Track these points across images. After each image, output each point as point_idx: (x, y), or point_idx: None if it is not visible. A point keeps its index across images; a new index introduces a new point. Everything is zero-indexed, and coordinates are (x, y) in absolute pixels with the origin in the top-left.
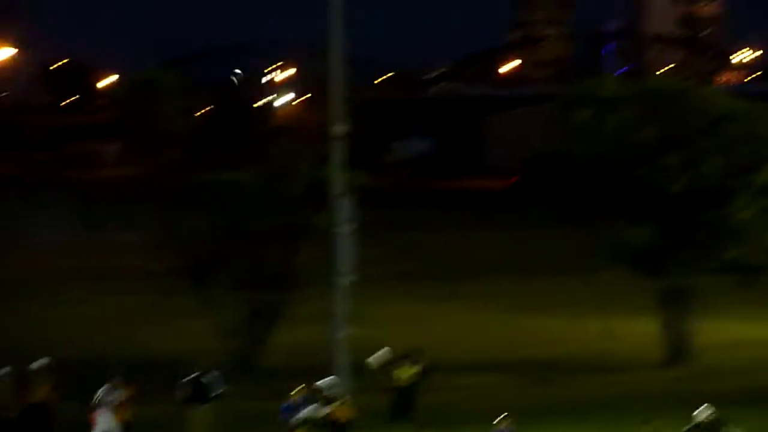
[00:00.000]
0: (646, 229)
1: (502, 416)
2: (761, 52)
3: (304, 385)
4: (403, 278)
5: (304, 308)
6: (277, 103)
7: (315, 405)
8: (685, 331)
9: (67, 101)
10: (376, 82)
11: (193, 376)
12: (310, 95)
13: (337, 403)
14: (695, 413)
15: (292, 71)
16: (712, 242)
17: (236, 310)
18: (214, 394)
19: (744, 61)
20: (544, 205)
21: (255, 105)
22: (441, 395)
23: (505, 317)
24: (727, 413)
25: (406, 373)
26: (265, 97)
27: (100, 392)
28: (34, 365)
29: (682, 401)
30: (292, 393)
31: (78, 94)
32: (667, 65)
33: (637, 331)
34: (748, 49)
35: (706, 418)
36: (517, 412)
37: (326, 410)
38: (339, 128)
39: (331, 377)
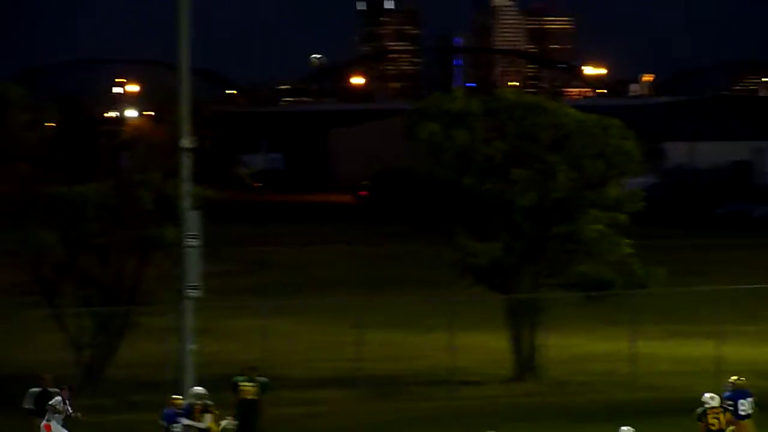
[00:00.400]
0: (495, 244)
1: None
2: (609, 67)
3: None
4: (253, 292)
5: (153, 322)
6: (126, 116)
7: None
8: (534, 346)
9: None
10: (225, 96)
11: (39, 389)
12: (158, 109)
13: (210, 415)
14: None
15: (140, 85)
16: (560, 257)
17: (85, 323)
18: (60, 408)
19: (593, 75)
20: (395, 219)
21: (104, 118)
22: (289, 410)
23: (354, 332)
24: (576, 427)
25: (247, 388)
26: (113, 111)
27: (53, 402)
28: None
29: (530, 415)
30: (175, 398)
31: None
32: (517, 79)
33: (486, 346)
34: (597, 63)
35: None
36: (363, 427)
37: (206, 421)
38: (186, 142)
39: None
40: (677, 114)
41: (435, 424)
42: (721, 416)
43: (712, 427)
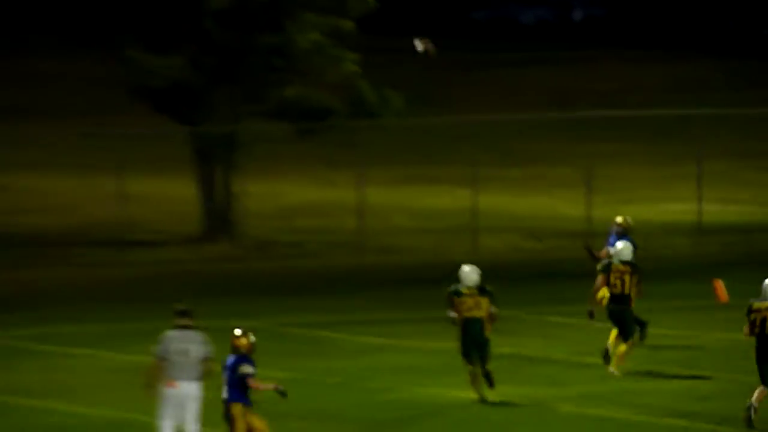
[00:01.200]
0: (177, 59)
1: None
2: None
3: None
4: None
5: None
6: None
7: None
8: (230, 195)
9: None
10: None
11: None
12: None
13: None
14: None
15: None
16: (265, 78)
17: None
18: None
19: None
20: (43, 28)
21: None
22: None
23: None
24: (285, 301)
25: None
26: None
27: None
28: None
29: (226, 286)
30: None
31: None
32: None
33: (167, 195)
34: None
35: None
36: (3, 299)
37: None
38: None
39: None
40: None
41: (99, 297)
42: (627, 277)
43: (614, 290)
